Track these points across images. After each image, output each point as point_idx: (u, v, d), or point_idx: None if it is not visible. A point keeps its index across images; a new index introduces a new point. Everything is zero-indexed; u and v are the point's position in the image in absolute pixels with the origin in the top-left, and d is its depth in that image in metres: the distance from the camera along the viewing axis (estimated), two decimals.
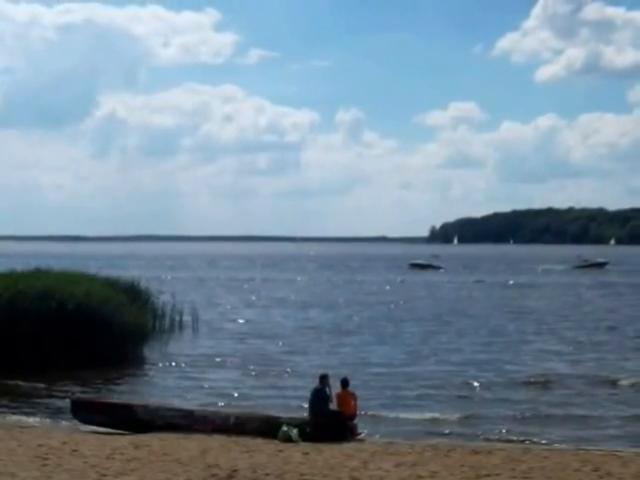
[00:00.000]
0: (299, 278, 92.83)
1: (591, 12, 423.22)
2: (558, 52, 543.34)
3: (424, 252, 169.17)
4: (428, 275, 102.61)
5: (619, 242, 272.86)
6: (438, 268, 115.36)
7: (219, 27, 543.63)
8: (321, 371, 21.43)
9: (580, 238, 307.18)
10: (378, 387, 26.88)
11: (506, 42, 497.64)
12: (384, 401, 24.69)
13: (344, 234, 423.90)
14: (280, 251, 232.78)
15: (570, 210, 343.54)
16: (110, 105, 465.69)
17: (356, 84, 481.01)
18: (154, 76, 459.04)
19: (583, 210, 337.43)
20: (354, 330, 43.46)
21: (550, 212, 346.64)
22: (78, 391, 25.49)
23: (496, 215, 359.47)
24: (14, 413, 23.44)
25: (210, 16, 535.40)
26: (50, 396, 25.78)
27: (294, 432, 19.25)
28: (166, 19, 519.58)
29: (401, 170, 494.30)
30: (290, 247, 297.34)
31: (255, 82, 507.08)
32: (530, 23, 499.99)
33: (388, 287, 78.58)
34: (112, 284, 36.95)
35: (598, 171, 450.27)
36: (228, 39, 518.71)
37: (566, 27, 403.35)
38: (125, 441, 18.61)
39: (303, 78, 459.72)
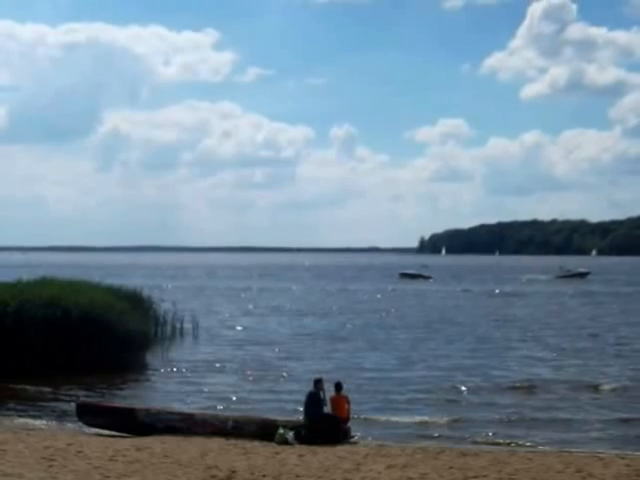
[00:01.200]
0: (294, 287, 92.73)
1: (574, 32, 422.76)
2: (543, 71, 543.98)
3: (414, 262, 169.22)
4: (418, 284, 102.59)
5: (600, 253, 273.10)
6: (427, 278, 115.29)
7: (218, 46, 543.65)
8: (316, 376, 21.38)
9: (563, 249, 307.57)
10: (370, 391, 26.84)
11: (493, 61, 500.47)
12: (376, 405, 24.66)
13: (338, 245, 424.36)
14: (276, 261, 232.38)
15: (554, 222, 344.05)
16: (113, 121, 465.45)
17: (349, 101, 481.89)
18: (155, 93, 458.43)
19: (566, 222, 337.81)
20: (347, 337, 43.41)
21: (534, 224, 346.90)
22: (83, 395, 25.41)
23: (482, 227, 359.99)
24: (21, 416, 23.38)
25: (209, 36, 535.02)
26: (56, 400, 25.72)
27: (290, 435, 19.23)
28: (167, 39, 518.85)
29: (392, 183, 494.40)
30: (286, 257, 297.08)
31: (252, 99, 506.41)
32: (516, 43, 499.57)
33: (379, 296, 78.51)
34: (115, 292, 36.89)
35: (580, 185, 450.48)
36: (227, 58, 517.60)
37: (550, 46, 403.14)
38: (128, 443, 18.57)
39: (298, 95, 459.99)
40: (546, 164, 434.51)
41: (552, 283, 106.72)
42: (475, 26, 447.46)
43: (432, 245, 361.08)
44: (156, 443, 18.63)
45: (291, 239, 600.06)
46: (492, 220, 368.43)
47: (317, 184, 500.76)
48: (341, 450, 18.32)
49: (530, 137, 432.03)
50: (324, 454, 17.68)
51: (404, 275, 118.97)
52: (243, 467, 15.97)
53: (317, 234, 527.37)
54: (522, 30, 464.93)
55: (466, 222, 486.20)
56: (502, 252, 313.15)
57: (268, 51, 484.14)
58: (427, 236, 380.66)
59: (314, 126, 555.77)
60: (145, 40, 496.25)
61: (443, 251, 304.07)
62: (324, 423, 19.63)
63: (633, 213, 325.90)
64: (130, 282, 50.73)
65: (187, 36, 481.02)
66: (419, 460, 17.02)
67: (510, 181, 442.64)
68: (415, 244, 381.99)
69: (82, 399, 23.06)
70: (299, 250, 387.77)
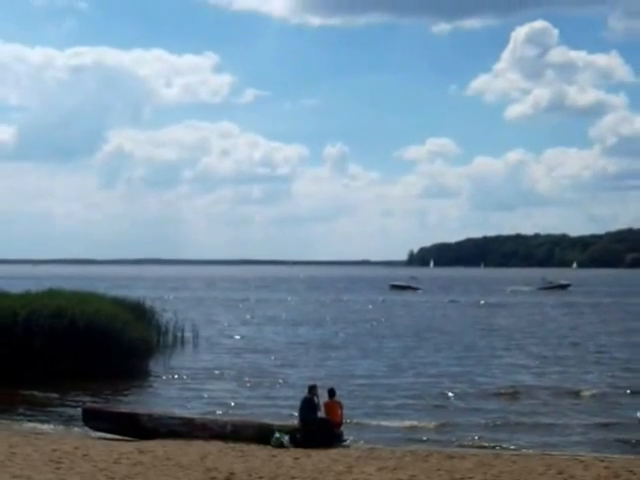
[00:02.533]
0: (290, 298, 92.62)
1: (556, 55, 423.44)
2: (526, 92, 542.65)
3: (403, 274, 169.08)
4: (407, 295, 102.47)
5: (581, 266, 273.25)
6: (416, 289, 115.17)
7: (217, 69, 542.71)
8: (310, 382, 21.41)
9: (545, 262, 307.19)
10: (362, 397, 26.84)
11: (479, 83, 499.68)
12: (367, 410, 24.65)
13: (331, 258, 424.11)
14: (273, 274, 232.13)
15: (536, 236, 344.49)
16: (117, 140, 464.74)
17: (342, 121, 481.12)
18: (157, 113, 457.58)
19: (548, 236, 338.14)
20: (340, 345, 43.40)
21: (518, 238, 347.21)
22: (89, 400, 25.34)
23: (469, 240, 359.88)
24: (30, 420, 23.34)
25: (209, 59, 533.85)
26: (63, 405, 25.68)
27: (286, 438, 19.23)
28: (169, 61, 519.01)
29: (383, 199, 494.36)
30: (282, 270, 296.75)
31: (250, 119, 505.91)
32: (500, 65, 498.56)
33: (370, 306, 78.47)
34: (119, 303, 36.88)
35: (562, 200, 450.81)
36: (225, 80, 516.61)
37: (533, 69, 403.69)
38: (131, 447, 18.55)
39: (293, 115, 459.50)
40: (529, 181, 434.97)
41: (535, 294, 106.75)
42: (462, 49, 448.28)
43: (421, 258, 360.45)
44: (158, 446, 18.61)
45: (287, 252, 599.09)
46: (478, 234, 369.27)
47: (311, 200, 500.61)
48: (334, 453, 18.32)
49: (514, 155, 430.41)
50: (318, 457, 17.68)
51: (394, 286, 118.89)
52: (241, 469, 15.97)
53: (311, 247, 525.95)
54: (506, 54, 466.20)
55: (453, 236, 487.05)
56: (487, 265, 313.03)
57: (265, 73, 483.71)
58: (416, 249, 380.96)
59: (308, 145, 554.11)
60: (148, 63, 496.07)
61: (431, 264, 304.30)
62: (318, 427, 19.63)
63: (611, 227, 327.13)
64: (133, 293, 50.68)
65: (188, 59, 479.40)
66: (408, 463, 17.03)
67: (495, 197, 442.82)
68: (404, 257, 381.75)
69: (88, 404, 22.98)
70: (295, 263, 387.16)
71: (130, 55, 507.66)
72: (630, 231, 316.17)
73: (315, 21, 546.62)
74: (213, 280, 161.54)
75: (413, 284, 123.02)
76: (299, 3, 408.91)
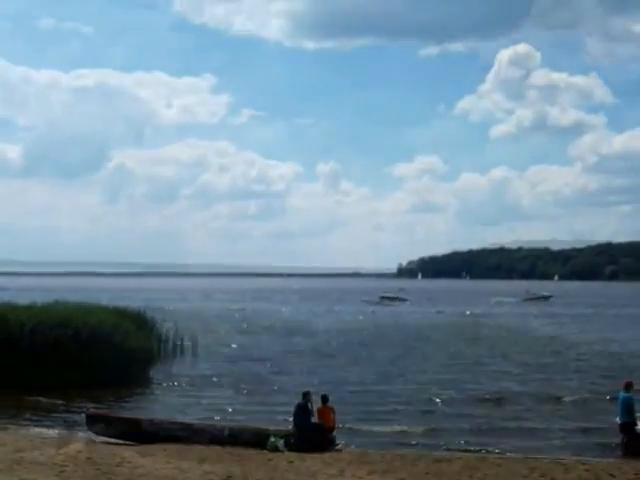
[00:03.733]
0: (284, 309, 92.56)
1: (538, 77, 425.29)
2: (509, 112, 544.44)
3: (393, 286, 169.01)
4: (396, 306, 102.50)
5: (562, 278, 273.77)
6: (404, 300, 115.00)
7: (215, 90, 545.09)
8: (304, 389, 21.40)
9: (528, 274, 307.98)
10: (353, 403, 26.79)
11: (464, 103, 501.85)
12: (359, 415, 24.61)
13: (323, 270, 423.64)
14: (268, 285, 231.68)
15: (519, 250, 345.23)
16: (120, 158, 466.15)
17: (334, 139, 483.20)
18: (158, 133, 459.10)
19: (531, 250, 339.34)
20: (332, 354, 43.38)
21: (502, 251, 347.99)
22: (92, 407, 25.26)
23: (455, 254, 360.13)
24: (36, 426, 23.27)
25: (207, 80, 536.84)
26: (67, 411, 25.60)
27: (280, 442, 19.22)
28: (168, 83, 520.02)
29: (373, 214, 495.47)
30: (277, 282, 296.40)
31: (246, 138, 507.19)
32: (485, 87, 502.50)
33: (361, 317, 78.40)
34: (121, 313, 36.77)
35: (544, 215, 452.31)
36: (223, 100, 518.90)
37: (516, 90, 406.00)
38: (133, 451, 18.51)
39: (287, 134, 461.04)
40: (513, 197, 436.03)
41: (518, 305, 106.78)
42: (448, 72, 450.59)
43: (409, 270, 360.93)
44: (159, 450, 18.57)
45: (281, 265, 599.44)
46: (464, 248, 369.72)
47: (305, 215, 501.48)
48: (327, 457, 18.32)
49: (498, 172, 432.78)
50: (312, 460, 17.68)
51: (383, 298, 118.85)
52: (238, 472, 15.97)
53: (304, 260, 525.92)
54: (491, 75, 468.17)
55: (440, 249, 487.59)
56: (472, 277, 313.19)
57: (260, 94, 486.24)
58: (404, 262, 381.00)
59: (302, 162, 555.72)
60: (149, 85, 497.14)
61: (419, 276, 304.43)
62: (312, 432, 19.62)
63: (592, 241, 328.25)
64: (135, 304, 50.57)
65: (187, 81, 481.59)
66: (398, 466, 17.04)
67: (480, 212, 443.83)
68: (394, 269, 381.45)
69: (91, 410, 22.94)
70: (289, 275, 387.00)
71: (132, 77, 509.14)
72: (609, 245, 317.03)
73: (310, 45, 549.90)
74: (211, 291, 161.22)
75: (401, 295, 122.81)
76: (295, 28, 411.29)
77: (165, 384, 32.09)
